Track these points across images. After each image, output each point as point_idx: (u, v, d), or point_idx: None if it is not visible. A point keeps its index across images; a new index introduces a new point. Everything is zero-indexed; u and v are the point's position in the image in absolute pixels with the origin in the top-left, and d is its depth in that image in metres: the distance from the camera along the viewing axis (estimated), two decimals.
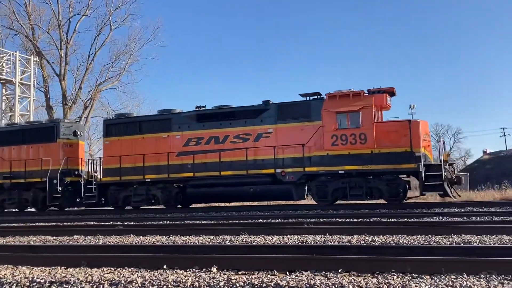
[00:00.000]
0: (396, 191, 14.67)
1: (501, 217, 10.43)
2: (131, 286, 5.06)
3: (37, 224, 13.75)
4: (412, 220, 10.52)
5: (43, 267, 6.34)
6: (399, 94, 15.70)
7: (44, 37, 37.83)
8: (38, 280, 5.50)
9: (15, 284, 5.48)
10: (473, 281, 4.51)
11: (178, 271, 5.69)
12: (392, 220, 10.71)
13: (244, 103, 19.80)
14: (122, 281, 5.20)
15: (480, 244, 6.78)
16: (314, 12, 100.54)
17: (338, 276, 5.05)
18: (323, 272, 5.24)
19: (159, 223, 12.40)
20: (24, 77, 31.50)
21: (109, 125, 18.86)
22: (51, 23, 37.38)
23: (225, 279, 5.00)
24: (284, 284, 4.68)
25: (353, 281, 4.68)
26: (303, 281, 4.74)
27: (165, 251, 7.00)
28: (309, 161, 15.45)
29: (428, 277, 4.81)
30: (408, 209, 13.85)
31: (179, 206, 18.04)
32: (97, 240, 9.19)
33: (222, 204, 19.71)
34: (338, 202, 15.74)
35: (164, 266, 5.91)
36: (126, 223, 12.62)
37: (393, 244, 7.02)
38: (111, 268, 6.04)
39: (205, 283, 4.93)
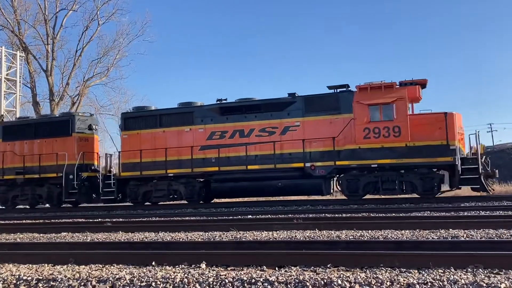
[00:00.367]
0: (430, 185, 14.36)
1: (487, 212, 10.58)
2: (119, 283, 5.02)
3: (24, 221, 13.61)
4: (401, 215, 10.62)
5: (30, 265, 6.27)
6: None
7: (31, 32, 37.29)
8: (25, 277, 5.43)
9: (1, 282, 5.40)
10: (460, 275, 4.55)
11: (167, 267, 5.66)
12: (381, 215, 10.80)
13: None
14: (111, 278, 5.16)
15: (467, 239, 6.86)
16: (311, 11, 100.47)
17: (327, 271, 5.07)
18: (312, 267, 5.27)
19: (148, 219, 12.36)
20: (10, 73, 31.11)
21: (127, 118, 18.29)
22: (37, 18, 36.83)
23: (214, 275, 4.99)
24: (273, 280, 4.68)
25: (342, 276, 4.70)
26: (292, 277, 4.75)
27: (154, 247, 6.98)
28: (338, 154, 15.19)
29: (416, 271, 4.85)
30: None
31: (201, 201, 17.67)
32: (85, 237, 9.12)
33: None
34: (368, 196, 15.45)
35: (153, 263, 5.88)
36: (114, 219, 12.56)
37: (382, 239, 7.07)
38: (99, 265, 6.00)
39: (194, 279, 4.91)
